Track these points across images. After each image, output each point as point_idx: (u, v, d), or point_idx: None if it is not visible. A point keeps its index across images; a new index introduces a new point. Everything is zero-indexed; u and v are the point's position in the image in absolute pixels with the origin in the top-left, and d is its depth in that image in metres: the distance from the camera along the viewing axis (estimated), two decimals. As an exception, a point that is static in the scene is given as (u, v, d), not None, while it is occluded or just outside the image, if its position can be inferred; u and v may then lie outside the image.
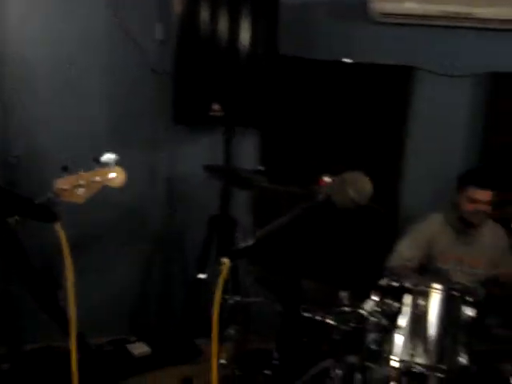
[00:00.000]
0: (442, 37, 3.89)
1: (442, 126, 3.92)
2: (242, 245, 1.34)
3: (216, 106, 3.58)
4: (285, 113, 3.96)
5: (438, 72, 3.90)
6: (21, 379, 3.34)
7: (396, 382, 2.44)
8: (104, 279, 3.94)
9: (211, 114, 3.59)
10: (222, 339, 2.81)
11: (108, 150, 2.30)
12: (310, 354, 2.89)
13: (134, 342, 3.95)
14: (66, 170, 2.30)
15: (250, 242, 1.32)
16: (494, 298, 3.13)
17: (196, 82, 3.60)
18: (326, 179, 2.73)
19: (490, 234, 3.52)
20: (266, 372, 2.97)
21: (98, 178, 2.27)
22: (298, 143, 4.10)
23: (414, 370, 2.39)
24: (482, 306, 3.15)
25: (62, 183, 2.29)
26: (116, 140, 3.80)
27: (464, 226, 3.45)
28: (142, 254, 4.16)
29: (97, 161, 2.27)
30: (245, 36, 3.62)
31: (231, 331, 3.07)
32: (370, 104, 4.02)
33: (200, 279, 3.75)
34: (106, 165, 2.28)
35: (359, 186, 1.25)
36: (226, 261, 1.36)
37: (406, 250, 3.43)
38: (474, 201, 3.34)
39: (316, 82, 4.04)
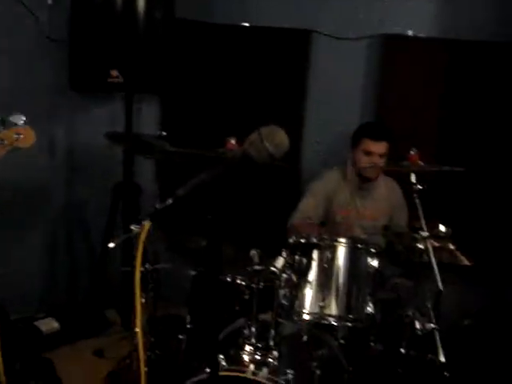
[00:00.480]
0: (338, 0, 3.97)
1: (340, 87, 4.01)
2: (162, 205, 1.33)
3: (114, 73, 3.49)
4: (185, 77, 3.93)
5: (334, 35, 3.98)
6: None
7: (307, 334, 2.56)
8: (9, 257, 3.79)
9: (110, 80, 3.50)
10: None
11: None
12: (223, 315, 2.93)
13: (42, 318, 3.85)
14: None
15: (170, 201, 1.31)
16: (392, 249, 3.27)
17: (92, 48, 3.49)
18: (232, 141, 2.77)
19: (386, 186, 3.64)
20: (181, 336, 2.99)
21: (5, 141, 2.17)
22: (200, 107, 4.07)
23: (324, 322, 2.50)
24: (382, 257, 3.33)
25: None
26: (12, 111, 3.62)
27: (360, 181, 3.56)
28: (46, 229, 4.03)
29: (2, 122, 2.17)
30: (140, 2, 3.55)
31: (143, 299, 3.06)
32: (269, 67, 4.04)
33: (107, 249, 3.69)
34: (13, 125, 2.19)
35: (276, 139, 1.25)
36: (146, 223, 1.34)
37: (306, 208, 3.50)
38: (368, 153, 3.39)
39: (215, 45, 4.02)
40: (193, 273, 3.00)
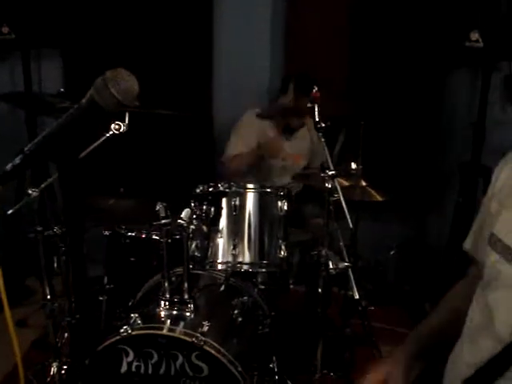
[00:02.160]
0: None
1: (248, 33, 3.91)
2: (9, 166, 1.23)
3: (5, 29, 3.28)
4: (86, 30, 3.74)
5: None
6: None
7: (224, 284, 2.53)
8: None
9: (0, 37, 3.29)
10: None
11: None
12: (141, 272, 2.88)
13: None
14: None
15: (18, 160, 1.21)
16: (310, 190, 3.29)
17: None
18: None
19: (308, 127, 3.63)
20: (101, 298, 2.93)
21: None
22: (102, 60, 3.90)
23: (239, 270, 2.47)
24: (299, 199, 3.34)
25: None
26: None
27: (286, 129, 3.55)
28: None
29: None
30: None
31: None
32: (171, 14, 3.90)
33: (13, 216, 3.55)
34: None
35: (123, 84, 1.15)
36: None
37: (233, 148, 3.46)
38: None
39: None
40: (106, 232, 2.92)
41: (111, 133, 2.37)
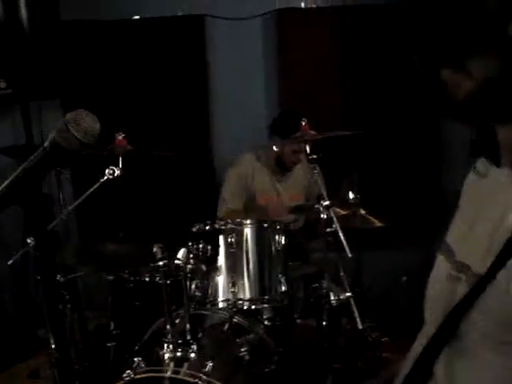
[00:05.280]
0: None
1: (241, 67, 3.97)
2: None
3: (2, 84, 3.34)
4: (83, 78, 3.82)
5: (227, 16, 3.92)
6: None
7: (228, 322, 2.51)
8: None
9: (-1, 92, 3.36)
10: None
11: None
12: (147, 315, 2.87)
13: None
14: None
15: None
16: (312, 226, 3.25)
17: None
18: (120, 137, 2.69)
19: (301, 166, 3.60)
20: (109, 344, 2.92)
21: None
22: (101, 105, 3.96)
23: (240, 307, 2.46)
24: (300, 234, 3.31)
25: None
26: None
27: (280, 168, 3.52)
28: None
29: None
30: (23, 6, 3.40)
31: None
32: (166, 58, 3.96)
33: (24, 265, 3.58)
34: None
35: (83, 124, 1.18)
36: None
37: (227, 196, 3.46)
38: (296, 151, 3.32)
39: (107, 43, 3.91)
40: (110, 277, 2.92)
41: (106, 178, 2.41)
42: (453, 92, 0.87)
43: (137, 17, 3.89)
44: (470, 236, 1.00)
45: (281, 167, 3.50)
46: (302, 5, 3.87)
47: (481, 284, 0.90)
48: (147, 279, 2.85)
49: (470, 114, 0.90)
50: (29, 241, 2.36)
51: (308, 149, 2.42)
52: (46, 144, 1.19)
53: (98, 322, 3.54)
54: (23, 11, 3.41)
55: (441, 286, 1.01)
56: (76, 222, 4.08)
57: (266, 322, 2.69)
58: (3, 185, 1.20)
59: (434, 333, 0.99)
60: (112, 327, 2.91)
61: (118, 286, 2.91)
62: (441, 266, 1.04)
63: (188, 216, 2.76)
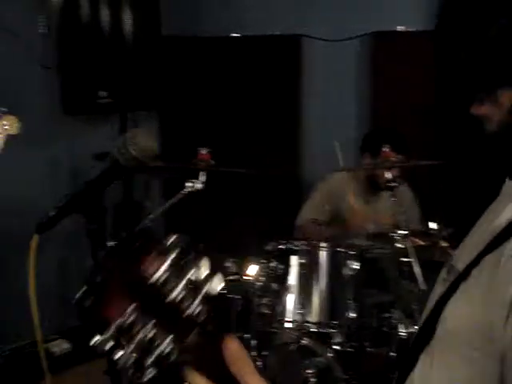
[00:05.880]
0: (326, 3, 3.94)
1: (335, 88, 3.97)
2: (45, 217, 1.34)
3: (103, 94, 3.53)
4: (180, 92, 3.96)
5: (325, 38, 3.95)
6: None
7: (295, 343, 2.50)
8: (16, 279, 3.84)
9: (99, 102, 3.55)
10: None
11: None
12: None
13: (54, 340, 3.88)
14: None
15: (53, 213, 1.33)
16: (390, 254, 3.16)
17: (82, 71, 3.54)
18: (203, 151, 2.75)
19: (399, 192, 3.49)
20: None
21: None
22: (196, 120, 4.10)
23: (312, 329, 2.44)
24: (378, 261, 3.23)
25: None
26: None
27: (372, 187, 3.44)
28: (56, 253, 4.08)
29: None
30: (127, 21, 3.60)
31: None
32: (262, 75, 4.04)
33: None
34: None
35: (141, 142, 1.26)
36: (35, 237, 1.35)
37: (310, 209, 3.41)
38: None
39: (204, 58, 4.04)
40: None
41: (185, 191, 2.49)
42: (488, 125, 0.86)
43: (235, 34, 3.99)
44: (467, 242, 1.00)
45: (373, 187, 3.41)
46: (398, 28, 3.82)
47: (455, 282, 0.88)
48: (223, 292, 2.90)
49: (506, 144, 0.89)
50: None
51: (389, 175, 2.38)
52: (107, 160, 1.26)
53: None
54: (127, 26, 3.61)
55: (433, 293, 1.00)
56: (164, 229, 4.21)
57: (334, 347, 2.66)
58: (68, 195, 1.28)
59: (415, 337, 0.98)
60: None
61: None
62: (440, 275, 1.02)
63: (265, 233, 2.78)
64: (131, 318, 0.80)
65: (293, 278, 2.44)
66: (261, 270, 2.41)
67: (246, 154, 3.79)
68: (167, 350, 0.80)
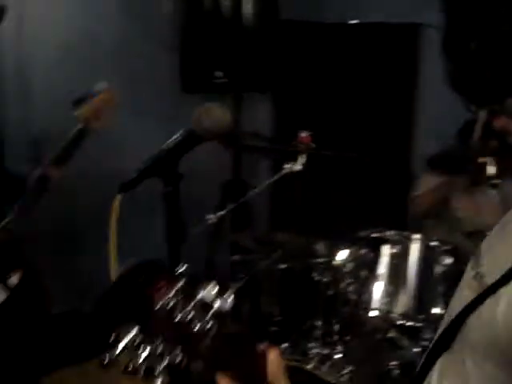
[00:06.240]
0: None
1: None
2: (129, 179, 1.44)
3: (219, 74, 3.66)
4: (296, 77, 4.01)
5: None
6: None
7: (383, 333, 2.48)
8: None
9: (215, 81, 3.68)
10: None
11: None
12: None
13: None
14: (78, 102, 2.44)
15: (135, 175, 1.43)
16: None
17: (201, 52, 3.69)
18: (303, 134, 2.78)
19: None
20: (272, 329, 3.06)
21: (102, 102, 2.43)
22: (309, 105, 4.12)
23: (394, 320, 2.42)
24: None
25: (87, 111, 2.42)
26: (131, 115, 3.91)
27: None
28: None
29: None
30: (247, 4, 3.70)
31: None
32: (377, 64, 3.99)
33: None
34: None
35: (213, 115, 1.35)
36: (118, 196, 1.45)
37: (427, 182, 3.26)
38: None
39: (322, 44, 4.05)
40: (282, 266, 3.05)
41: (283, 172, 2.54)
42: (509, 138, 0.84)
43: (354, 21, 3.96)
44: (495, 246, 0.93)
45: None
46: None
47: (482, 296, 0.85)
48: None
49: None
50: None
51: (493, 169, 2.28)
52: (184, 131, 1.35)
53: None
54: (247, 9, 3.70)
55: (459, 294, 0.97)
56: (267, 208, 4.28)
57: (423, 343, 2.61)
58: (148, 160, 1.38)
59: (435, 339, 0.96)
60: (276, 313, 3.06)
61: (287, 275, 3.03)
62: (467, 273, 0.97)
63: (361, 219, 2.77)
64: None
65: (382, 267, 2.43)
66: (351, 255, 2.42)
67: (355, 140, 3.79)
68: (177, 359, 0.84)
